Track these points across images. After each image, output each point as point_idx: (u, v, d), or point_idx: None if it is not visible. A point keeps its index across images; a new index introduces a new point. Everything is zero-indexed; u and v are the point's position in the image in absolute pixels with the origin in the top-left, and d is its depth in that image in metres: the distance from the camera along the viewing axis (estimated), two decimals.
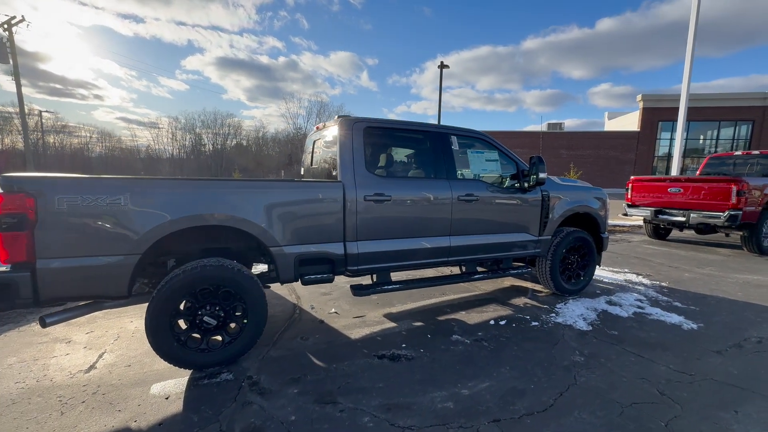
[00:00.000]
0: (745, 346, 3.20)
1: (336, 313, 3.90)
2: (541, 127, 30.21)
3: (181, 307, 2.67)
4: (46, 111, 47.55)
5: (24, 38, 74.50)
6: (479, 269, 4.60)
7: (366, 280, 3.62)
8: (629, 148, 30.43)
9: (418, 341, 3.26)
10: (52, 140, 49.62)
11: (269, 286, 3.51)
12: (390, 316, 3.82)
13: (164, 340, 2.56)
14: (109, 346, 3.15)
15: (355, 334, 3.41)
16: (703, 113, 28.47)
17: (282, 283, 3.03)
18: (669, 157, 29.33)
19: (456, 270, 4.46)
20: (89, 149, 53.18)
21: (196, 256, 2.99)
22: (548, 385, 2.59)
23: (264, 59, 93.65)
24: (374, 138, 3.40)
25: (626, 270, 5.73)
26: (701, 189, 6.77)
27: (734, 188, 6.30)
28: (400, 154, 3.74)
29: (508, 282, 5.03)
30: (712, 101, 28.50)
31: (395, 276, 4.55)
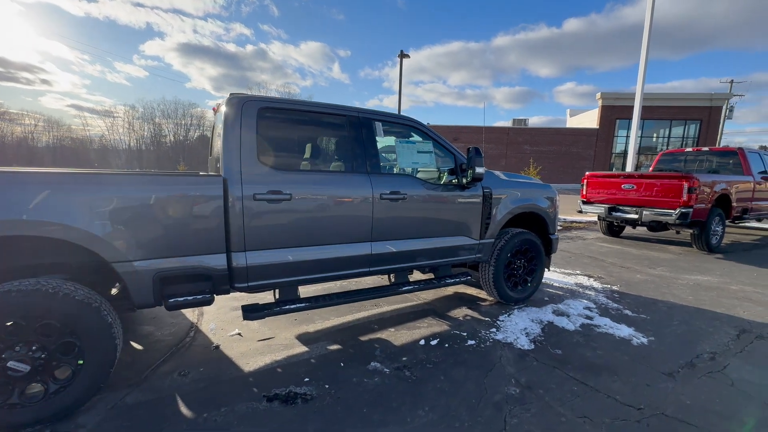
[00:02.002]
0: (698, 364, 2.83)
1: (239, 335, 3.23)
2: (495, 122, 30.41)
3: None
4: None
5: None
6: (420, 276, 4.08)
7: (269, 295, 2.98)
8: (589, 144, 31.30)
9: (326, 372, 2.66)
10: None
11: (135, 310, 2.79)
12: (304, 338, 3.20)
13: None
14: None
15: (252, 364, 2.76)
16: (656, 112, 29.68)
17: (136, 308, 2.33)
18: (625, 154, 30.45)
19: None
20: (35, 138, 48.63)
21: (22, 274, 2.23)
22: None
23: (231, 47, 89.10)
24: (273, 121, 2.73)
25: (578, 271, 5.41)
26: (653, 185, 6.59)
27: (685, 185, 6.14)
28: (308, 142, 3.09)
29: (452, 289, 4.53)
30: (664, 101, 29.77)
31: (312, 289, 3.95)
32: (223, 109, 2.61)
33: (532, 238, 3.97)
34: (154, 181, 2.29)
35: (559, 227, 9.70)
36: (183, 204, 2.32)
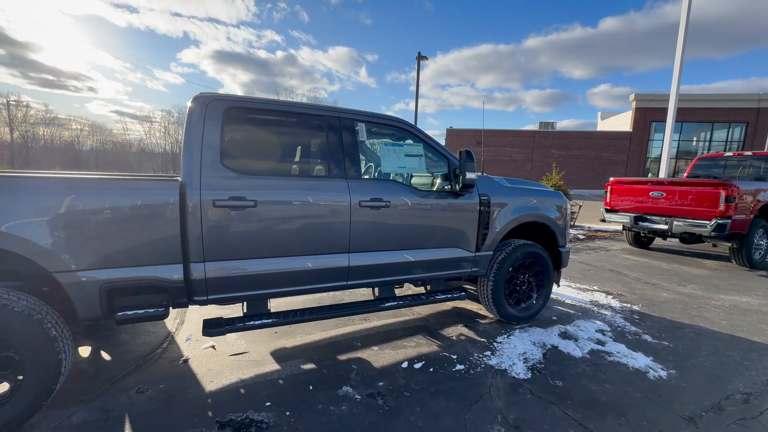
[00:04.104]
0: (727, 408, 2.39)
1: (213, 348, 3.06)
2: (524, 126, 29.44)
3: None
4: (20, 101, 45.28)
5: (15, 27, 72.29)
6: (412, 289, 3.79)
7: (235, 308, 2.79)
8: (621, 148, 29.80)
9: (291, 396, 2.42)
10: (41, 132, 48.21)
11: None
12: (279, 354, 2.98)
13: None
14: None
15: (217, 383, 2.57)
16: (696, 114, 27.86)
17: (83, 322, 2.17)
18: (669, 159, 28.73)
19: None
20: (80, 142, 51.90)
21: None
22: None
23: (262, 53, 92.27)
24: (241, 123, 2.55)
25: (595, 287, 4.93)
26: (686, 193, 5.97)
27: (723, 193, 5.51)
28: (280, 145, 2.88)
29: (451, 304, 4.20)
30: (706, 102, 27.89)
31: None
32: (189, 107, 2.44)
33: (538, 250, 3.59)
34: (100, 184, 2.13)
35: (581, 236, 9.09)
36: (134, 210, 2.15)
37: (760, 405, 2.43)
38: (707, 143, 29.26)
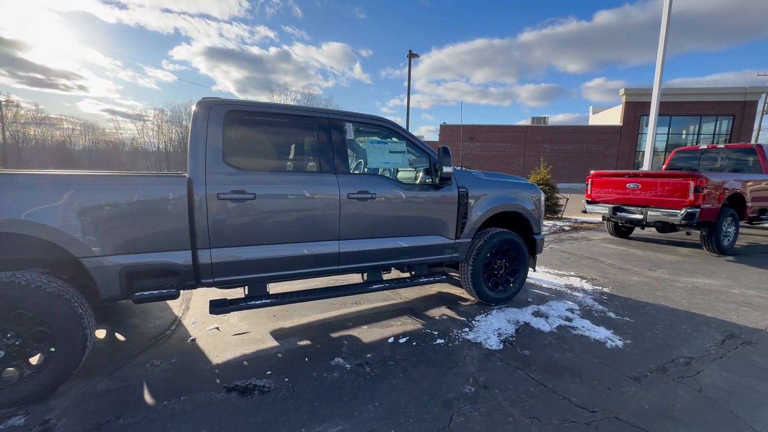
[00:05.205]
0: (670, 369, 2.74)
1: (217, 329, 3.36)
2: (518, 121, 29.81)
3: None
4: (10, 100, 44.84)
5: (2, 25, 71.52)
6: (398, 275, 4.11)
7: (238, 292, 3.09)
8: (612, 142, 30.27)
9: (289, 366, 2.74)
10: (32, 132, 47.76)
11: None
12: (277, 333, 3.30)
13: None
14: None
15: (222, 357, 2.88)
16: (684, 108, 28.38)
17: (105, 302, 2.47)
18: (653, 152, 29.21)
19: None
20: (72, 142, 51.48)
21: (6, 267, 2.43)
22: (414, 429, 2.10)
23: (255, 50, 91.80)
24: (240, 124, 2.84)
25: (572, 273, 5.28)
26: (658, 185, 6.35)
27: (692, 184, 5.88)
28: (276, 143, 3.18)
29: (436, 288, 4.54)
30: (694, 96, 28.39)
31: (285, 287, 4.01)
32: (193, 111, 2.73)
33: (514, 237, 3.92)
34: (119, 181, 2.43)
35: (567, 228, 9.47)
36: (148, 203, 2.45)
37: (699, 366, 2.79)
38: (696, 136, 29.80)
